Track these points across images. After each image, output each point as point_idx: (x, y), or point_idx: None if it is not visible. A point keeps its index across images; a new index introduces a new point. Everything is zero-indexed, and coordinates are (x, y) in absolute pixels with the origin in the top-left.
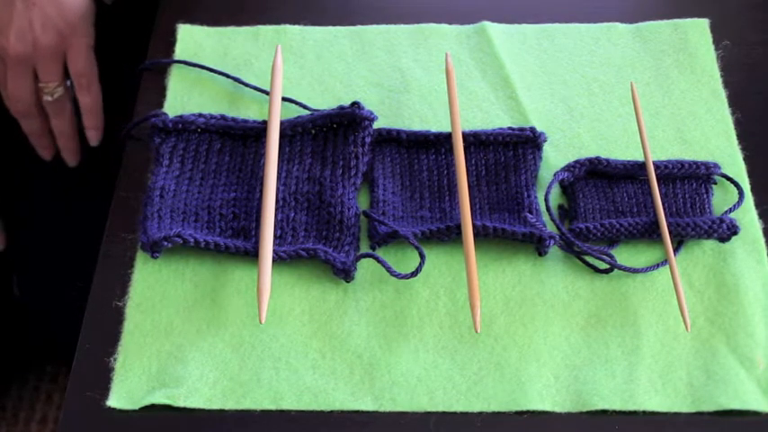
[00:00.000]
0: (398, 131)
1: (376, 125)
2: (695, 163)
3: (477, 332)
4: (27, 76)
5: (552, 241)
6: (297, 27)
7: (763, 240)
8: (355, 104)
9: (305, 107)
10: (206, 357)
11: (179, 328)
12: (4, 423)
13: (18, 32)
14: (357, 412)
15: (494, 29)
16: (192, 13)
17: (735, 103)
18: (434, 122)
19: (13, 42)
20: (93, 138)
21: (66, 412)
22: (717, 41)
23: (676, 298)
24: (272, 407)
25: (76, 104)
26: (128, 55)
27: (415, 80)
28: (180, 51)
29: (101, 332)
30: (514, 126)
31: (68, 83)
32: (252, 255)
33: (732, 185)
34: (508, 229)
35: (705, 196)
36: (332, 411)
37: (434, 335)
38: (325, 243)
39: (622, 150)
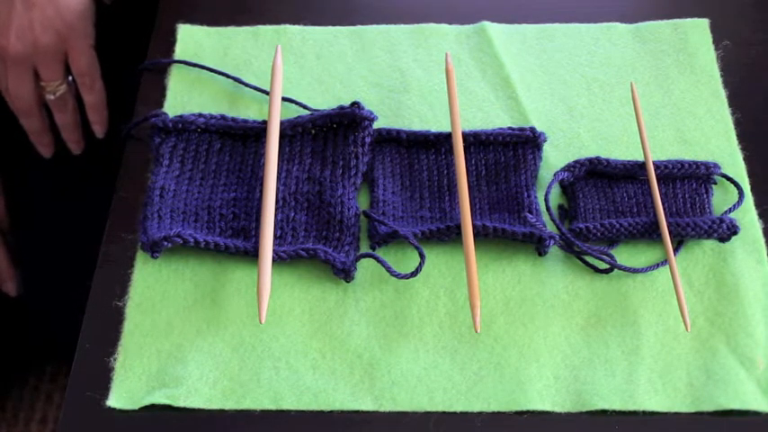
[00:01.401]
0: (398, 131)
1: (376, 125)
2: (695, 163)
3: (477, 332)
4: (28, 76)
5: (552, 241)
6: (297, 27)
7: (763, 240)
8: (355, 104)
9: (305, 107)
10: (206, 357)
11: (179, 328)
12: (4, 423)
13: (18, 32)
14: (357, 412)
15: (494, 29)
16: (192, 13)
17: (735, 103)
18: (434, 122)
19: (13, 42)
20: (99, 132)
21: (66, 412)
22: (717, 41)
23: (676, 298)
24: (272, 407)
25: (79, 98)
26: (128, 55)
27: (415, 80)
28: (180, 51)
29: (101, 332)
30: (514, 126)
31: (70, 79)
32: (252, 255)
33: (732, 185)
34: (508, 229)
35: (705, 196)
36: (332, 411)
37: (434, 335)
38: (326, 243)
39: (622, 150)
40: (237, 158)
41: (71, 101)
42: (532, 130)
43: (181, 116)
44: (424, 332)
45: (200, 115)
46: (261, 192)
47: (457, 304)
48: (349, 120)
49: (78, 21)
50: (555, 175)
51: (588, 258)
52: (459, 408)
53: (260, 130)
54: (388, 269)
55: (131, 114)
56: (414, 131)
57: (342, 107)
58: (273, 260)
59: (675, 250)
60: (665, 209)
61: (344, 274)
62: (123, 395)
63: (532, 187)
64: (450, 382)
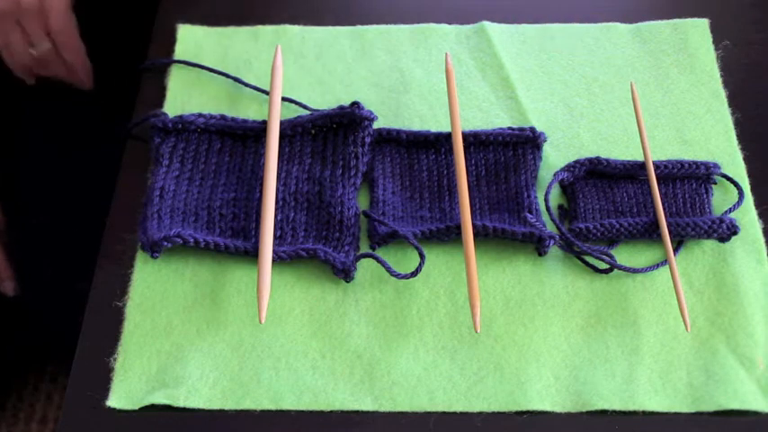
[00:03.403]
0: (398, 131)
1: (376, 125)
2: (695, 163)
3: (477, 332)
4: (17, 30)
5: (552, 241)
6: (297, 27)
7: (763, 240)
8: (355, 104)
9: (305, 107)
10: (206, 357)
11: (179, 328)
12: (4, 423)
13: None
14: (357, 412)
15: (494, 29)
16: (192, 13)
17: (735, 103)
18: (434, 122)
19: None
20: (86, 86)
21: (66, 412)
22: (717, 41)
23: (676, 298)
24: (272, 407)
25: None
26: (128, 55)
27: (415, 80)
28: (180, 51)
29: (101, 332)
30: (514, 126)
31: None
32: (252, 255)
33: (732, 185)
34: (508, 229)
35: (705, 196)
36: (332, 411)
37: (434, 335)
38: (325, 243)
39: (622, 150)
40: (237, 158)
41: (56, 56)
42: (532, 130)
43: (181, 116)
44: (424, 332)
45: (200, 115)
46: (261, 192)
47: (457, 304)
48: (349, 120)
49: None
50: (555, 175)
51: (588, 258)
52: (459, 408)
53: (260, 130)
54: (388, 269)
55: (131, 114)
56: (414, 131)
57: (342, 107)
58: (273, 260)
59: (675, 250)
60: (664, 209)
61: (344, 274)
62: (123, 395)
63: (532, 187)
64: (450, 382)
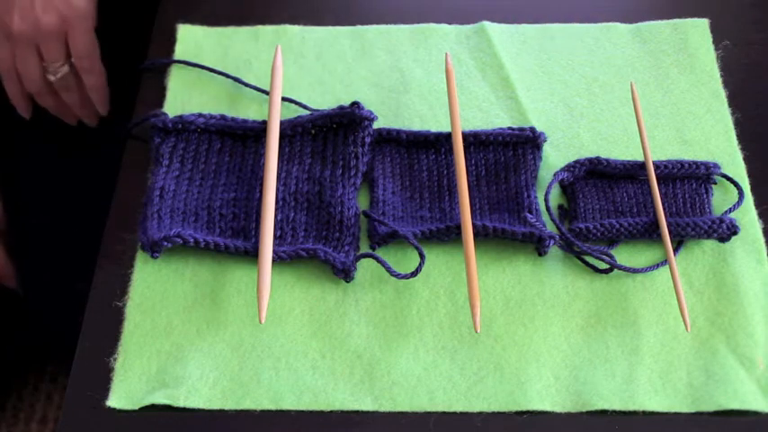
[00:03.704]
0: (398, 131)
1: (376, 125)
2: (695, 163)
3: (476, 332)
4: (33, 55)
5: (552, 241)
6: (297, 27)
7: (763, 240)
8: (355, 104)
9: (305, 107)
10: (206, 357)
11: (179, 328)
12: (3, 423)
13: (21, 12)
14: (357, 412)
15: (494, 29)
16: (192, 13)
17: (735, 103)
18: (434, 122)
19: (16, 22)
20: (102, 111)
21: (66, 412)
22: (717, 41)
23: (676, 298)
24: (272, 407)
25: None
26: (128, 55)
27: (414, 80)
28: (180, 51)
29: (101, 332)
30: (514, 126)
31: (73, 60)
32: (252, 255)
33: (732, 185)
34: (508, 229)
35: (705, 196)
36: (332, 411)
37: (434, 335)
38: (325, 243)
39: (622, 150)
40: (237, 158)
41: (74, 81)
42: (532, 130)
43: (181, 116)
44: (424, 332)
45: (200, 115)
46: (261, 192)
47: (457, 304)
48: (349, 120)
49: (81, 3)
50: (555, 175)
51: (588, 258)
52: (459, 408)
53: (260, 130)
54: (388, 269)
55: (131, 114)
56: (414, 131)
57: (342, 107)
58: (273, 260)
59: (675, 250)
60: (664, 209)
61: (344, 274)
62: (123, 395)
63: (532, 187)
64: (450, 382)
